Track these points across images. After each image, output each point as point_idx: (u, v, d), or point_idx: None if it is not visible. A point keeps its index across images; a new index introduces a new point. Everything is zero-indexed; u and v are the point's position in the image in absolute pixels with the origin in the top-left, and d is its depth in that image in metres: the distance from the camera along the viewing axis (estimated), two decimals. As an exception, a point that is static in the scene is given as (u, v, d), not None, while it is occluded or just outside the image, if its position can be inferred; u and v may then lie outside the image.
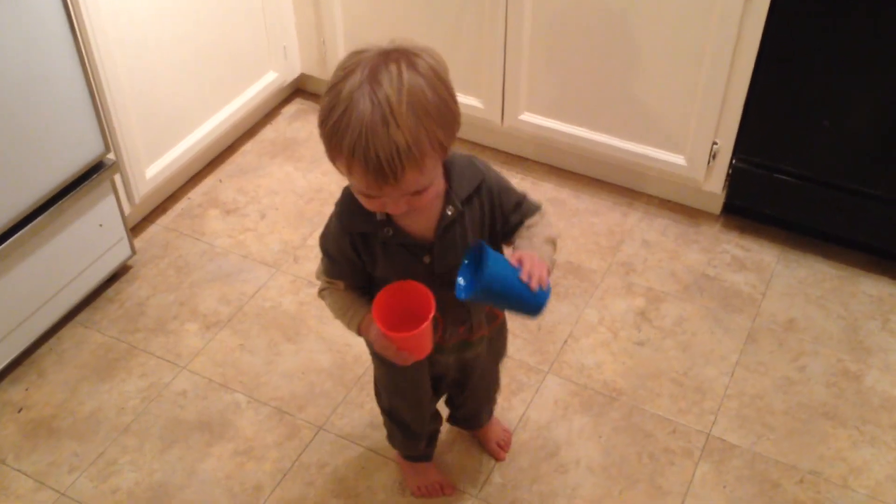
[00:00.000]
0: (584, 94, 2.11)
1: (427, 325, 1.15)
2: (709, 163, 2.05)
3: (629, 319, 1.94)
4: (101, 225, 1.87)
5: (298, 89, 2.59)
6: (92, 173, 1.80)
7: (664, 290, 2.01)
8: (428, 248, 1.20)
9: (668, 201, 2.24)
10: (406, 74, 1.01)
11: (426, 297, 1.15)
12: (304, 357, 1.85)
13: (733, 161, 2.04)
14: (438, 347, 1.27)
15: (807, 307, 1.95)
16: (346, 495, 1.61)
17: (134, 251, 2.01)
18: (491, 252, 1.11)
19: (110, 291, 1.99)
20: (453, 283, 1.14)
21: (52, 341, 1.88)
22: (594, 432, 1.71)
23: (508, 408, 1.76)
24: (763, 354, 1.85)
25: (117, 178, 1.91)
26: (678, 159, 2.09)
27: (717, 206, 2.19)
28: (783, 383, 1.79)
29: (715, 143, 2.01)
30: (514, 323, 1.92)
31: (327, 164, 1.09)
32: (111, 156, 1.85)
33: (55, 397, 1.77)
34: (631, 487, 1.61)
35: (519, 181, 2.31)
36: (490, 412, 1.65)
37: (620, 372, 1.82)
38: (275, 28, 2.30)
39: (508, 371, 1.82)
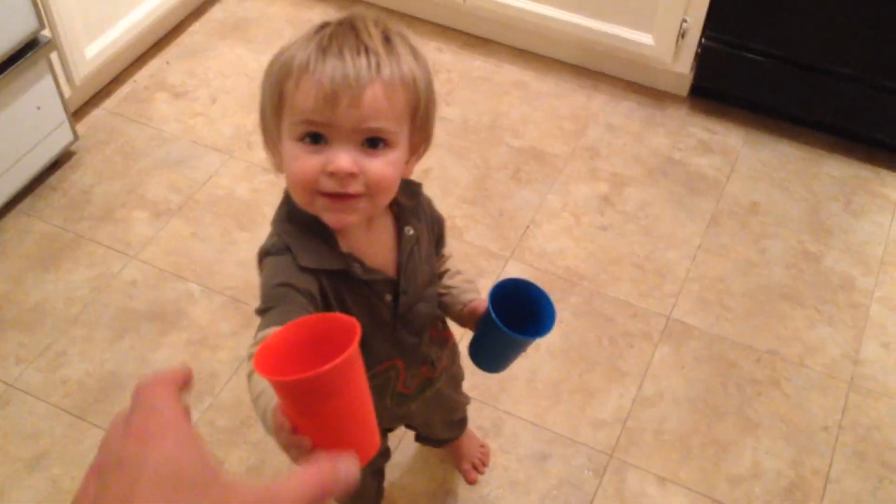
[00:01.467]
0: (549, -32, 2.02)
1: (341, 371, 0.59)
2: (677, 42, 1.98)
3: (592, 204, 1.91)
4: (38, 108, 1.77)
5: (248, -34, 2.45)
6: (26, 52, 1.69)
7: (628, 174, 1.97)
8: (391, 284, 0.97)
9: (634, 83, 2.18)
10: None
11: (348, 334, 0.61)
12: (259, 246, 1.80)
13: (702, 40, 1.97)
14: (400, 398, 1.09)
15: (770, 189, 1.93)
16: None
17: (77, 136, 1.92)
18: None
19: (53, 179, 1.90)
20: (412, 322, 1.00)
21: (-7, 231, 1.81)
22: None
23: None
24: (725, 237, 1.83)
25: (55, 57, 1.80)
26: (646, 38, 2.01)
27: (684, 88, 2.13)
28: (744, 266, 1.78)
29: (684, 21, 1.94)
30: (478, 209, 1.88)
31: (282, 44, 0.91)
32: (46, 32, 1.73)
33: (-1, 288, 1.72)
34: (590, 370, 1.61)
35: (481, 65, 2.23)
36: (462, 425, 1.41)
37: (582, 257, 1.80)
38: None
39: (470, 258, 1.79)
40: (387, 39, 0.86)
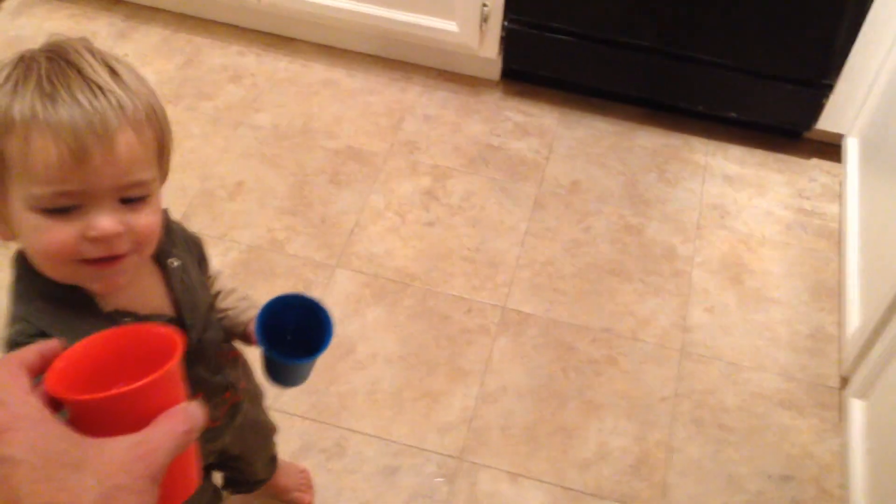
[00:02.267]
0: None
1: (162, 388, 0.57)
2: (481, 27, 1.97)
3: (416, 200, 1.87)
4: None
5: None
6: None
7: (450, 165, 1.94)
8: (173, 323, 0.87)
9: (447, 72, 2.15)
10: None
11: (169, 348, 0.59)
12: None
13: (505, 23, 1.97)
14: (212, 432, 1.02)
15: (588, 167, 1.96)
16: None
17: None
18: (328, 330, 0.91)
19: None
20: (204, 354, 0.93)
21: None
22: (390, 322, 1.65)
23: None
24: (550, 220, 1.84)
25: None
26: (450, 25, 1.99)
27: (495, 72, 2.13)
28: (571, 246, 1.80)
29: (485, 6, 1.93)
30: (298, 219, 1.80)
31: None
32: None
33: None
34: (431, 373, 1.58)
35: (287, 65, 2.14)
36: (275, 460, 1.32)
37: (412, 256, 1.76)
38: None
39: (295, 271, 1.72)
40: (112, 69, 0.73)
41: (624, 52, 1.93)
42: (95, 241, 0.72)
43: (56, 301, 0.78)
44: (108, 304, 0.81)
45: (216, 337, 0.96)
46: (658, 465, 1.47)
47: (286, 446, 1.46)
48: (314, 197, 1.86)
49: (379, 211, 1.84)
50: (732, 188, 1.92)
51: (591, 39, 1.94)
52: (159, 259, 0.87)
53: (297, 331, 0.92)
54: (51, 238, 0.72)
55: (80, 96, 0.69)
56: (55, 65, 0.71)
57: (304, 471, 1.43)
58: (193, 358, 0.86)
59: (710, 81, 1.93)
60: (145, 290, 0.86)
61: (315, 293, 1.68)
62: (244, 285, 1.66)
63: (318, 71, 2.14)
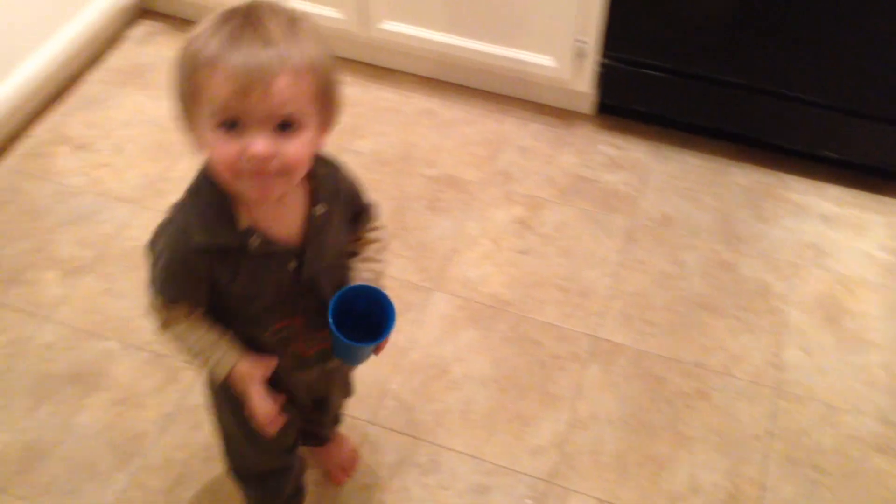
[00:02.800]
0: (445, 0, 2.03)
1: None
2: (576, 62, 2.02)
3: (511, 229, 1.92)
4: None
5: (145, 10, 2.39)
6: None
7: (543, 195, 2.00)
8: (295, 253, 1.04)
9: (541, 105, 2.21)
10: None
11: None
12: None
13: (601, 59, 2.02)
14: (301, 360, 1.14)
15: (681, 201, 1.98)
16: (235, 435, 1.55)
17: (-25, 198, 1.84)
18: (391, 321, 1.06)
19: (-46, 244, 1.82)
20: (315, 288, 1.06)
21: None
22: (483, 345, 1.70)
23: (396, 329, 1.71)
24: (642, 252, 1.87)
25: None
26: (546, 60, 2.05)
27: (589, 106, 2.18)
28: (662, 279, 1.82)
29: (581, 42, 1.98)
30: (397, 242, 1.87)
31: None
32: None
33: None
34: (523, 396, 1.62)
35: (388, 95, 2.23)
36: (337, 420, 1.47)
37: (505, 283, 1.81)
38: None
39: (392, 292, 1.77)
40: (290, 27, 0.90)
41: (719, 89, 1.96)
42: (251, 158, 0.90)
43: (208, 205, 0.99)
44: (246, 222, 1.00)
45: (333, 283, 1.09)
46: (750, 502, 1.48)
47: (382, 458, 1.52)
48: (413, 222, 1.93)
49: (474, 238, 1.90)
50: (829, 228, 1.92)
51: (686, 75, 1.97)
52: (311, 201, 1.03)
53: (365, 317, 1.06)
54: (221, 151, 0.91)
55: (255, 47, 0.87)
56: (246, 20, 0.89)
57: (355, 451, 1.52)
58: (304, 290, 1.07)
59: (806, 119, 1.94)
60: (284, 220, 1.02)
61: (411, 314, 1.75)
62: (346, 303, 1.74)
63: (417, 101, 2.22)
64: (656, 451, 1.54)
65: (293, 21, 0.91)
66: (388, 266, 1.18)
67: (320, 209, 1.04)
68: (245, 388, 1.09)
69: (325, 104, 0.95)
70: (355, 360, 1.13)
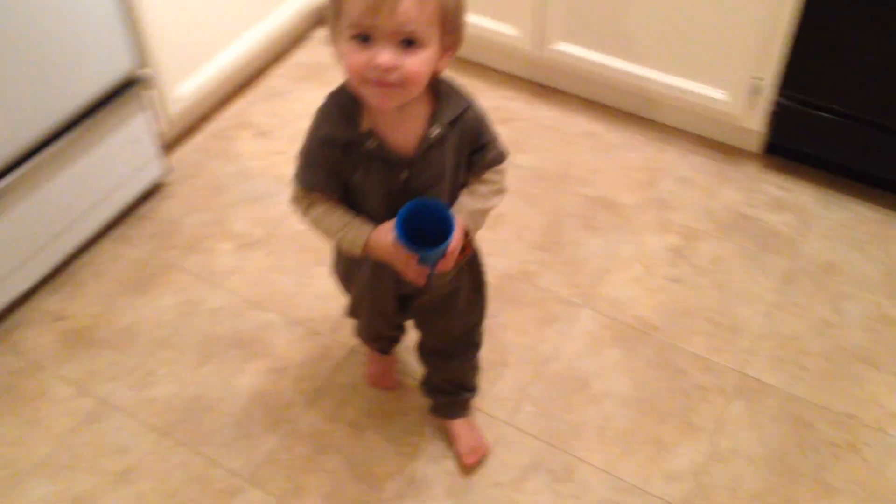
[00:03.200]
0: (623, 23, 2.06)
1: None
2: (750, 98, 2.01)
3: (664, 256, 1.93)
4: (134, 141, 1.86)
5: (332, 11, 2.54)
6: (127, 88, 1.77)
7: (700, 227, 1.99)
8: (407, 164, 1.19)
9: (706, 138, 2.20)
10: None
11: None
12: (338, 280, 1.85)
13: (776, 97, 2.00)
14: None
15: (846, 250, 1.93)
16: (378, 414, 1.62)
17: (167, 169, 2.00)
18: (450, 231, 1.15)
19: (145, 208, 1.98)
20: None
21: (88, 255, 1.88)
22: (627, 366, 1.71)
23: (540, 339, 1.76)
24: (800, 296, 1.84)
25: (151, 95, 1.89)
26: (719, 94, 2.04)
27: (756, 144, 2.15)
28: (820, 325, 1.78)
29: (758, 79, 1.97)
30: (549, 256, 1.91)
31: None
32: (146, 71, 1.82)
33: (93, 308, 1.78)
34: (663, 421, 1.62)
35: (552, 114, 2.27)
36: (465, 404, 1.57)
37: (654, 307, 1.82)
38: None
39: (541, 303, 1.82)
40: None
41: (894, 138, 1.91)
42: (375, 67, 1.05)
43: (339, 106, 1.17)
44: (367, 125, 1.16)
45: (432, 194, 1.22)
46: (890, 559, 1.43)
47: (516, 459, 1.56)
48: (566, 238, 1.96)
49: (627, 260, 1.91)
50: None
51: (861, 121, 1.93)
52: (430, 122, 1.18)
53: (429, 229, 1.16)
54: (352, 60, 1.07)
55: None
56: None
57: (483, 442, 1.57)
58: (412, 197, 1.16)
59: None
60: (402, 132, 1.18)
61: (558, 326, 1.78)
62: (495, 309, 1.79)
63: (580, 122, 2.26)
64: (797, 497, 1.51)
65: None
66: (493, 208, 1.28)
67: (435, 130, 1.18)
68: (383, 252, 1.21)
69: (448, 28, 1.09)
70: (431, 261, 1.21)
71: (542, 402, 1.65)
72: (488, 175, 1.28)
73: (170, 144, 2.12)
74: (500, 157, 1.28)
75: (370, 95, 1.11)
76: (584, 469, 1.55)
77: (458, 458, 1.56)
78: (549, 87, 2.34)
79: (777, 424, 1.61)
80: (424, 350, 1.53)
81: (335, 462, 1.55)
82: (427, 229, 1.15)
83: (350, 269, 1.38)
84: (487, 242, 1.93)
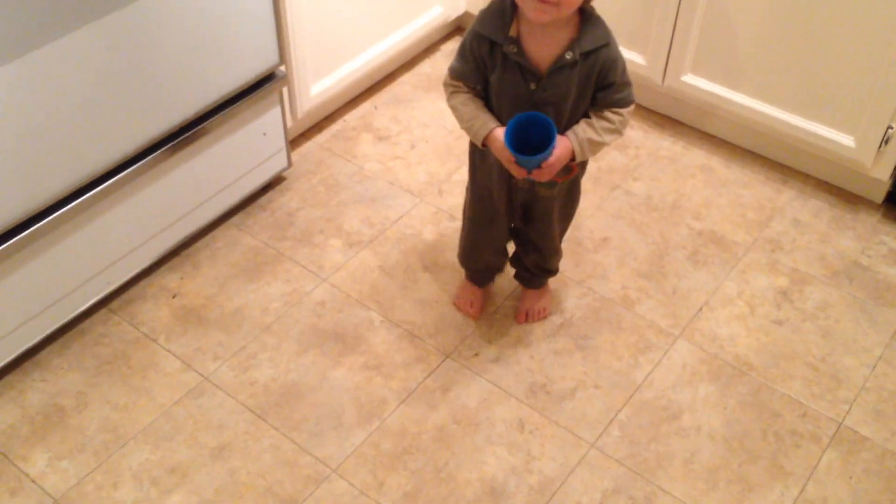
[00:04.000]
0: (755, 60, 2.04)
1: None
2: (880, 147, 1.95)
3: (769, 297, 1.89)
4: (265, 134, 1.95)
5: (459, 27, 2.60)
6: (265, 82, 1.87)
7: (811, 272, 1.94)
8: (538, 77, 1.37)
9: (826, 183, 2.15)
10: None
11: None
12: (439, 288, 1.89)
13: (907, 149, 1.94)
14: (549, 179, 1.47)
15: (965, 310, 1.85)
16: (465, 422, 1.65)
17: (290, 163, 2.09)
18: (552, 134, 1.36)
19: (264, 199, 2.08)
20: (544, 109, 1.38)
21: (207, 238, 1.98)
22: (719, 402, 1.69)
23: (635, 365, 1.75)
24: (910, 352, 1.78)
25: (285, 91, 1.98)
26: (847, 140, 2.00)
27: (879, 194, 2.09)
28: (928, 384, 1.72)
29: (890, 128, 1.91)
30: (651, 285, 1.90)
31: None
32: (283, 68, 1.92)
33: (206, 289, 1.88)
34: (751, 462, 1.59)
35: (670, 144, 2.26)
36: (543, 281, 1.81)
37: (754, 347, 1.79)
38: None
39: (639, 330, 1.82)
40: None
41: None
42: None
43: (496, 10, 1.37)
44: (514, 33, 1.36)
45: (557, 119, 1.40)
46: None
47: (600, 483, 1.56)
48: (670, 268, 1.95)
49: (730, 297, 1.89)
50: None
51: None
52: (568, 46, 1.34)
53: (536, 140, 1.36)
54: None
55: None
56: None
57: (546, 307, 1.83)
58: (537, 106, 1.39)
59: None
60: (541, 48, 1.36)
61: (653, 355, 1.77)
62: (592, 330, 1.80)
63: (697, 156, 2.24)
64: (886, 555, 1.46)
65: None
66: (605, 144, 1.44)
67: (569, 55, 1.34)
68: (495, 148, 1.42)
69: None
70: (528, 166, 1.41)
71: (630, 428, 1.65)
72: (609, 114, 1.42)
73: (295, 140, 2.22)
74: (625, 101, 1.43)
75: (529, 8, 1.28)
76: (666, 500, 1.54)
77: (516, 313, 1.83)
78: (670, 117, 2.33)
79: (871, 478, 1.56)
80: (518, 264, 1.80)
81: (419, 463, 1.59)
82: (535, 139, 1.35)
83: (479, 155, 1.57)
84: (590, 265, 1.95)
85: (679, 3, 2.05)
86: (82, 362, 1.73)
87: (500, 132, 1.40)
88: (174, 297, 1.86)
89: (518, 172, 1.42)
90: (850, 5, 1.83)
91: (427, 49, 2.53)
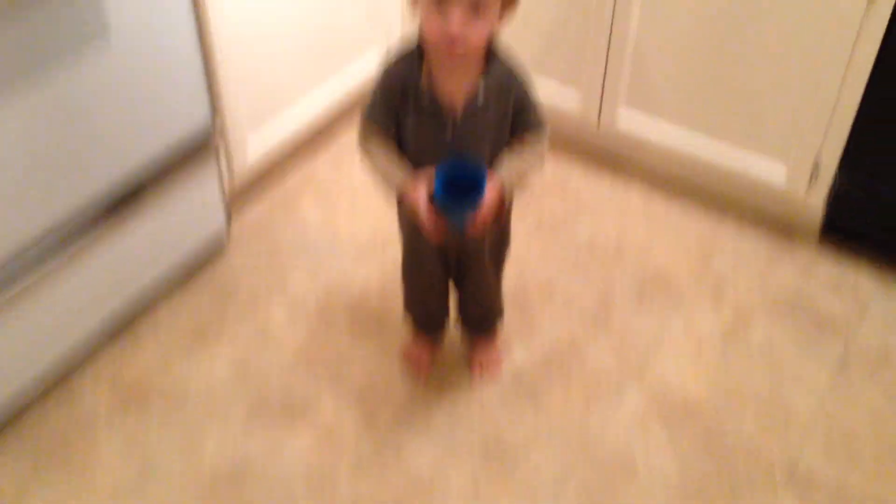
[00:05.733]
0: (687, 92, 2.07)
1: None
2: (811, 179, 1.99)
3: (716, 334, 1.91)
4: (202, 198, 1.92)
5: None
6: (199, 146, 1.84)
7: (754, 306, 1.97)
8: (453, 116, 1.38)
9: (764, 216, 2.19)
10: None
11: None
12: (388, 344, 1.87)
13: (837, 179, 1.98)
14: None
15: (904, 337, 1.89)
16: (419, 489, 1.62)
17: (230, 227, 2.06)
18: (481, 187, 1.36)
19: (205, 266, 2.03)
20: (464, 150, 1.38)
21: (146, 312, 1.93)
22: (673, 448, 1.69)
23: (587, 413, 1.75)
24: (855, 383, 1.80)
25: (222, 153, 1.95)
26: (778, 172, 2.03)
27: (815, 224, 2.13)
28: (876, 416, 1.74)
29: (819, 159, 1.95)
30: (599, 330, 1.91)
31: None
32: (217, 130, 1.88)
33: (148, 365, 1.82)
34: (708, 507, 1.59)
35: (609, 186, 2.28)
36: (490, 325, 1.80)
37: (704, 387, 1.80)
38: (380, 5, 2.31)
39: (589, 377, 1.81)
40: None
41: (964, 228, 1.87)
42: (447, 35, 1.27)
43: (408, 52, 1.38)
44: (426, 71, 1.36)
45: (479, 153, 1.41)
46: None
47: (558, 542, 1.54)
48: (617, 311, 1.96)
49: (677, 337, 1.90)
50: None
51: (928, 209, 1.90)
52: (478, 84, 1.36)
53: (464, 188, 1.35)
54: (429, 24, 1.29)
55: None
56: None
57: (499, 358, 1.83)
58: (456, 148, 1.39)
59: None
60: (451, 89, 1.37)
61: (604, 402, 1.77)
62: (543, 380, 1.79)
63: (636, 195, 2.26)
64: None
65: None
66: (531, 170, 1.44)
67: (481, 99, 1.37)
68: (408, 199, 1.39)
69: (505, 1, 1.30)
70: (457, 220, 1.40)
71: (587, 483, 1.64)
72: (529, 137, 1.43)
73: (234, 201, 2.18)
74: (541, 122, 1.44)
75: (441, 49, 1.31)
76: (626, 554, 1.53)
77: (469, 366, 1.81)
78: (607, 159, 2.35)
79: (827, 518, 1.57)
80: (462, 317, 1.79)
81: (376, 532, 1.56)
82: (462, 185, 1.34)
83: (405, 216, 1.56)
84: (537, 312, 1.95)
85: (609, 40, 2.07)
86: (19, 454, 1.67)
87: (413, 182, 1.38)
88: (114, 374, 1.81)
89: (433, 228, 1.39)
90: (774, 36, 1.87)
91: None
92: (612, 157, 2.35)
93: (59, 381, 1.79)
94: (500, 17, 1.32)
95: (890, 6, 1.70)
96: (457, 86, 1.37)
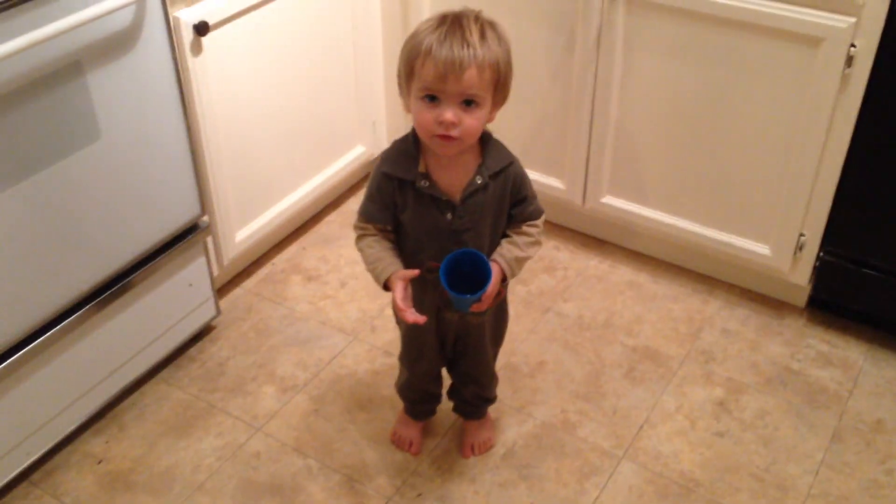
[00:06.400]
0: (668, 180, 2.12)
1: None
2: (795, 254, 2.02)
3: (708, 409, 1.90)
4: (190, 285, 1.93)
5: (384, 163, 2.65)
6: (188, 233, 1.86)
7: (745, 381, 1.96)
8: (452, 206, 1.40)
9: (751, 291, 2.20)
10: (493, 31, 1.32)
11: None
12: (377, 427, 1.85)
13: (821, 254, 2.00)
14: (444, 301, 1.46)
15: (895, 407, 1.88)
16: (412, 570, 1.59)
17: (219, 312, 2.06)
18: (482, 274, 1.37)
19: (193, 350, 2.03)
20: (462, 243, 1.40)
21: (134, 396, 1.92)
22: (669, 524, 1.66)
23: (581, 491, 1.72)
24: (849, 454, 1.78)
25: (209, 240, 1.98)
26: (763, 249, 2.06)
27: (801, 298, 2.14)
28: (870, 486, 1.72)
29: (802, 235, 1.98)
30: (589, 404, 1.89)
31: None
32: (206, 218, 1.92)
33: (134, 451, 1.80)
34: (707, 585, 1.55)
35: (597, 263, 2.31)
36: (483, 410, 1.79)
37: (698, 462, 1.77)
38: (365, 103, 2.38)
39: (582, 454, 1.79)
40: (482, 33, 1.28)
41: (947, 297, 1.89)
42: (442, 123, 1.29)
43: (402, 149, 1.42)
44: (423, 168, 1.39)
45: (476, 244, 1.43)
46: None
47: None
48: (608, 387, 1.95)
49: (669, 413, 1.89)
50: None
51: (910, 279, 1.92)
52: (476, 171, 1.39)
53: (469, 275, 1.37)
54: (422, 116, 1.31)
55: (456, 47, 1.25)
56: (453, 25, 1.27)
57: (491, 439, 1.81)
58: (455, 239, 1.41)
59: None
60: (451, 178, 1.40)
61: (598, 478, 1.74)
62: (535, 459, 1.77)
63: (624, 273, 2.28)
64: None
65: (487, 28, 1.29)
66: (529, 258, 1.48)
67: (479, 179, 1.39)
68: (393, 291, 1.41)
69: (499, 90, 1.33)
70: (462, 307, 1.41)
71: (581, 560, 1.60)
72: (526, 227, 1.47)
73: (223, 287, 2.20)
74: (538, 212, 1.48)
75: (433, 144, 1.34)
76: None
77: (461, 447, 1.80)
78: (594, 237, 2.38)
79: (829, 593, 1.53)
80: (455, 398, 1.79)
81: None
82: (465, 275, 1.35)
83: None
84: (527, 390, 1.94)
85: (591, 131, 2.13)
86: (1, 541, 1.63)
87: (401, 275, 1.41)
88: (99, 462, 1.78)
89: (408, 316, 1.40)
90: (749, 121, 1.93)
91: (353, 187, 2.57)
92: (598, 239, 2.38)
93: (44, 469, 1.76)
94: (492, 109, 1.35)
95: (862, 87, 1.76)
96: (455, 175, 1.40)
